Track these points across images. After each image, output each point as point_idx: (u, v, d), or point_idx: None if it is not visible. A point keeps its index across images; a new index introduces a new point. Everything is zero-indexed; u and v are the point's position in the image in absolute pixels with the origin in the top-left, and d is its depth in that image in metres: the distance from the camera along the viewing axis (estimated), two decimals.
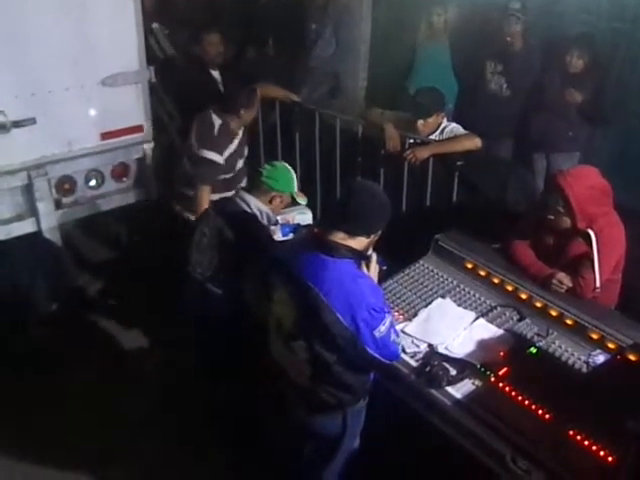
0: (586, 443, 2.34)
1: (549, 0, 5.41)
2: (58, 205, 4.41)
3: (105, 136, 4.43)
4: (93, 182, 4.55)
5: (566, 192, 2.91)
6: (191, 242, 3.30)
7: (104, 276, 5.00)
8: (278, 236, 3.86)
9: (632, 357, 2.64)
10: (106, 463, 3.48)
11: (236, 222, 3.24)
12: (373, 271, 2.54)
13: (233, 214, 3.27)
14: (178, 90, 4.91)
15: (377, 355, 2.40)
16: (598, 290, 2.99)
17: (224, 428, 3.60)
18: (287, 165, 3.41)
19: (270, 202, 3.32)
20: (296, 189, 3.41)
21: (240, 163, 4.22)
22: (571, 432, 2.38)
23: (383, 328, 2.37)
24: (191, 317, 3.49)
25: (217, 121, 4.07)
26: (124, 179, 4.69)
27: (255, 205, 3.29)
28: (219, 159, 4.01)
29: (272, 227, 3.48)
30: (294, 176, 3.38)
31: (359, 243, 2.46)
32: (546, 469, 2.28)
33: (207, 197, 3.93)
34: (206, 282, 3.29)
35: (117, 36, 4.24)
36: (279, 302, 2.58)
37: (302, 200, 3.51)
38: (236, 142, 4.13)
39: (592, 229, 2.94)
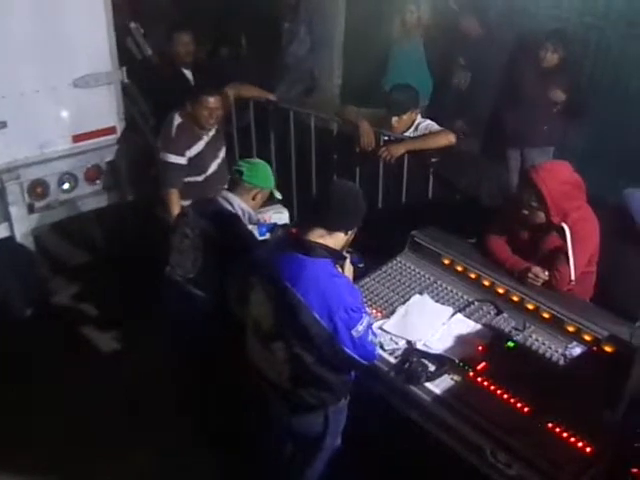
0: (565, 435, 2.36)
1: None
2: (31, 209, 4.36)
3: (78, 138, 4.39)
4: (66, 185, 4.50)
5: (539, 187, 2.93)
6: (171, 244, 3.27)
7: (79, 280, 4.94)
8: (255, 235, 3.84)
9: (608, 349, 2.68)
10: (92, 465, 3.45)
11: (221, 222, 3.19)
12: (347, 272, 2.56)
13: (216, 214, 3.22)
14: (151, 90, 4.87)
15: (354, 355, 2.39)
16: (573, 283, 3.02)
17: (205, 431, 3.58)
18: (263, 161, 3.41)
19: (253, 199, 3.31)
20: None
21: (213, 166, 4.15)
22: (550, 424, 2.40)
23: (361, 328, 2.37)
24: (170, 320, 3.46)
25: (176, 120, 4.02)
26: (98, 181, 4.64)
27: (238, 205, 3.25)
28: (180, 160, 3.96)
29: (250, 226, 3.46)
30: (271, 171, 3.38)
31: (337, 240, 2.46)
32: (526, 461, 2.29)
33: (176, 201, 3.89)
34: (187, 284, 3.26)
35: (88, 36, 4.20)
36: (257, 303, 2.56)
37: (279, 195, 3.50)
38: (202, 143, 4.07)
39: (566, 223, 2.96)
